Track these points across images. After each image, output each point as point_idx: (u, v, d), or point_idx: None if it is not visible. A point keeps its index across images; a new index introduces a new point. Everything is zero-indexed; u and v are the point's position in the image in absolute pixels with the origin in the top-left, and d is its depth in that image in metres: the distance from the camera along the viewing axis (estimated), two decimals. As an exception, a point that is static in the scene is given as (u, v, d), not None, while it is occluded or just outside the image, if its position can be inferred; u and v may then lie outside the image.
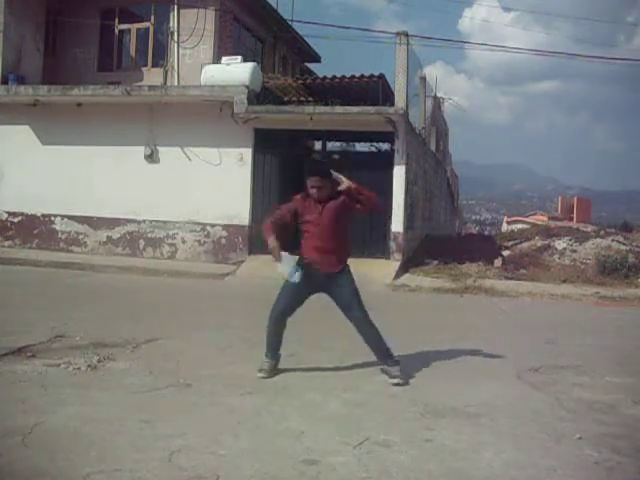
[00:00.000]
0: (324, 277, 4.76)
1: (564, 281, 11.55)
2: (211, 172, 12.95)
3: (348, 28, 22.80)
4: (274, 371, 4.82)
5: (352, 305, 4.80)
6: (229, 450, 3.27)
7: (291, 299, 4.79)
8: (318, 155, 13.75)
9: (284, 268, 4.57)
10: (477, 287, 10.75)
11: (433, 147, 18.43)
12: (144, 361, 5.03)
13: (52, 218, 13.96)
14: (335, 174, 4.73)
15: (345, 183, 4.67)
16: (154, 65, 15.15)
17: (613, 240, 13.89)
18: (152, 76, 14.78)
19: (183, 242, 13.26)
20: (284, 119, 12.62)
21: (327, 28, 61.07)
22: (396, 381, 4.65)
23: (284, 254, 4.57)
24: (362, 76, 13.12)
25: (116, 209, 13.47)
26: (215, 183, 12.89)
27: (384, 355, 4.84)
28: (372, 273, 11.34)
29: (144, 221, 13.45)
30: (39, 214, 14.04)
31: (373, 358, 5.27)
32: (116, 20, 15.51)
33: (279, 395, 4.31)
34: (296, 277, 4.55)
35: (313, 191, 4.68)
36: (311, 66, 21.23)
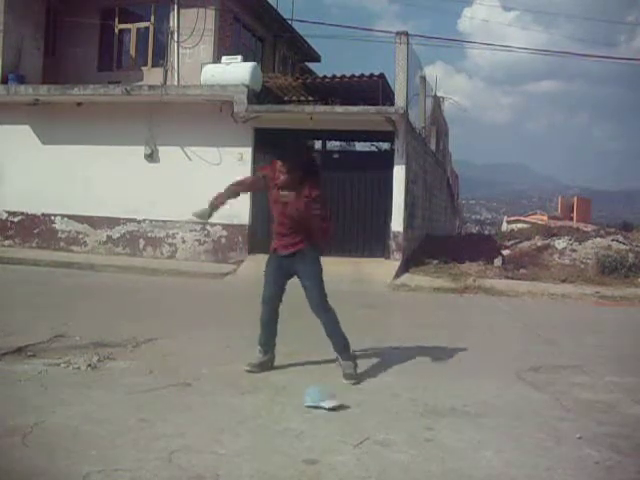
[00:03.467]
0: (285, 260, 4.74)
1: (564, 281, 11.55)
2: (211, 171, 12.93)
3: (348, 27, 22.86)
4: (262, 367, 4.79)
5: (308, 286, 4.71)
6: (229, 450, 3.26)
7: (271, 285, 4.80)
8: (318, 154, 13.75)
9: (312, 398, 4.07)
10: (477, 287, 10.75)
11: (433, 147, 18.42)
12: (144, 361, 5.02)
13: (52, 217, 13.96)
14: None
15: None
16: (154, 65, 15.14)
17: (613, 240, 13.87)
18: (152, 76, 14.78)
19: (183, 242, 13.26)
20: (284, 118, 12.62)
21: (327, 27, 61.07)
22: (347, 382, 4.58)
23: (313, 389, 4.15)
24: (362, 75, 13.11)
25: (116, 208, 13.46)
26: (215, 182, 12.74)
27: (341, 348, 4.76)
28: (372, 272, 11.36)
29: (144, 220, 13.45)
30: (39, 213, 14.04)
31: (372, 358, 5.28)
32: (116, 20, 15.49)
33: (279, 395, 4.30)
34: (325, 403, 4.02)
35: (279, 177, 4.60)
36: (311, 65, 21.24)
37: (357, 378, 4.65)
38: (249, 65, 12.83)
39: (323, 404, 3.97)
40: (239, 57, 13.02)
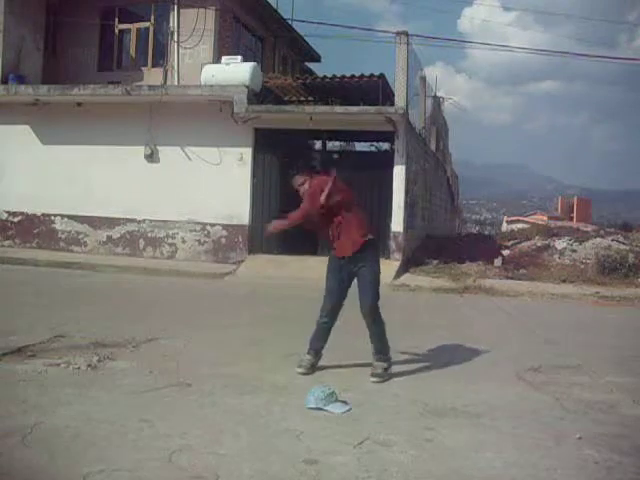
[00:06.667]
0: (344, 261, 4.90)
1: (564, 281, 11.56)
2: (211, 172, 12.94)
3: (348, 27, 22.86)
4: (314, 368, 4.85)
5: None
6: (229, 450, 3.26)
7: (335, 292, 4.91)
8: (318, 155, 13.75)
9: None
10: (477, 287, 10.76)
11: (433, 147, 18.42)
12: (144, 361, 5.02)
13: (52, 218, 13.96)
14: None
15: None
16: (154, 65, 15.14)
17: (613, 240, 13.89)
18: (152, 76, 14.78)
19: (183, 242, 13.26)
20: (284, 119, 12.62)
21: (327, 28, 61.25)
22: (375, 379, 4.70)
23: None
24: (362, 76, 13.11)
25: (116, 209, 13.47)
26: (215, 183, 12.88)
27: (379, 349, 4.87)
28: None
29: (144, 221, 13.45)
30: (39, 214, 14.04)
31: (372, 358, 5.26)
32: (116, 20, 15.49)
33: (279, 395, 4.30)
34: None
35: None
36: (311, 66, 21.25)
37: (384, 377, 4.73)
38: (249, 65, 12.83)
39: (328, 408, 3.96)
40: (239, 57, 13.03)
